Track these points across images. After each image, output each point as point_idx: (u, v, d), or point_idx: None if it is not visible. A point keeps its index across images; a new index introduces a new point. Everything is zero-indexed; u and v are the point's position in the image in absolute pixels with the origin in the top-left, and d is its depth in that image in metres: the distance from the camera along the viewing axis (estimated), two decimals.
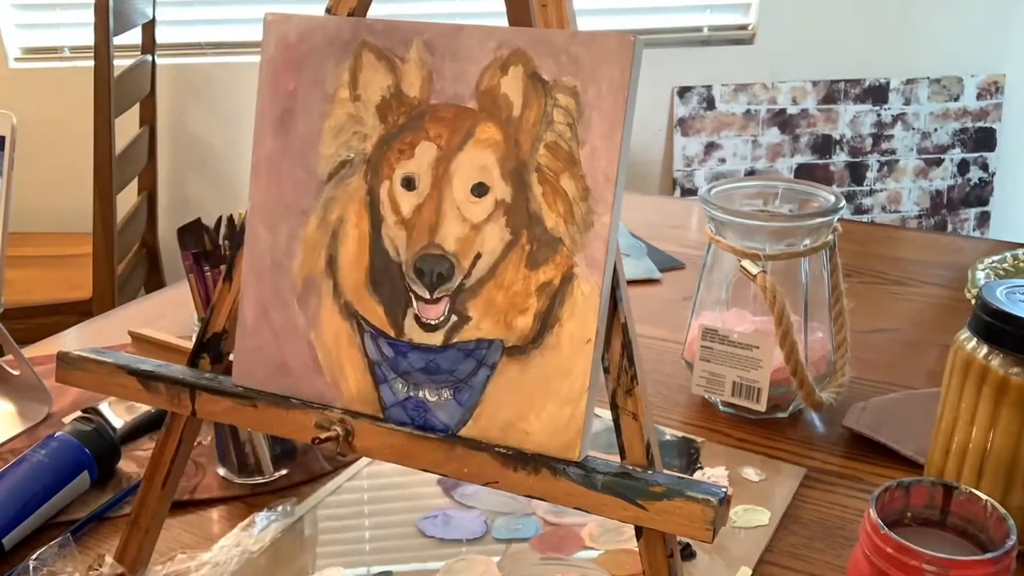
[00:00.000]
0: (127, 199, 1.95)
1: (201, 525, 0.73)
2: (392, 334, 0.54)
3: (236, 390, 0.57)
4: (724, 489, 0.48)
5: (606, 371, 0.51)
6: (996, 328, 0.65)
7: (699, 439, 0.83)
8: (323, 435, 0.54)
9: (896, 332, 1.04)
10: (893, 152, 2.56)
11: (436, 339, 0.53)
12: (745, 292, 0.86)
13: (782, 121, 2.49)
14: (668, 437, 0.84)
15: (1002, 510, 0.57)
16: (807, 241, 0.83)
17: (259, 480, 0.77)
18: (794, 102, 2.48)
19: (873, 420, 0.84)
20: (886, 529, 0.55)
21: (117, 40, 1.76)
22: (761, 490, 0.76)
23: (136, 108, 2.00)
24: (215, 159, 2.39)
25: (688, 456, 0.81)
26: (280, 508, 0.73)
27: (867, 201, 2.57)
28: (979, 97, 2.55)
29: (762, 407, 0.83)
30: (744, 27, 2.49)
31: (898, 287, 1.16)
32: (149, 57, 2.04)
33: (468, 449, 0.52)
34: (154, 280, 2.14)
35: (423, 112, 0.52)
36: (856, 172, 2.55)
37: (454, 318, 0.52)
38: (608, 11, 2.46)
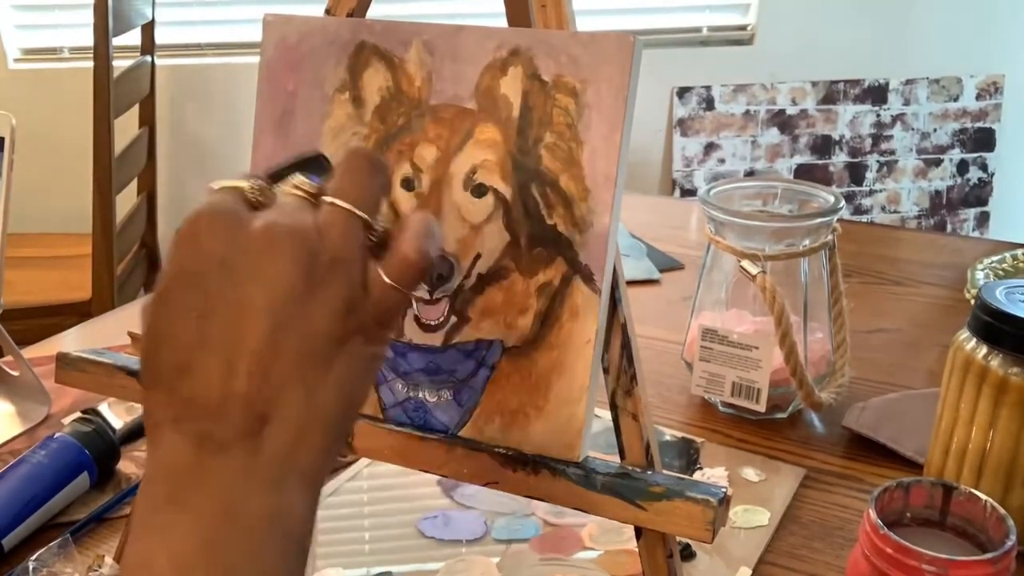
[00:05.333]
0: (127, 200, 1.95)
1: None
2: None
3: None
4: (724, 489, 0.48)
5: (606, 371, 0.51)
6: (996, 328, 0.65)
7: (699, 439, 0.83)
8: None
9: (896, 332, 1.04)
10: (892, 152, 2.56)
11: (436, 340, 0.53)
12: (745, 292, 0.86)
13: (781, 121, 2.49)
14: (668, 437, 0.84)
15: (1002, 510, 0.57)
16: (807, 241, 0.83)
17: None
18: (793, 102, 2.48)
19: (873, 420, 0.84)
20: (886, 529, 0.55)
21: (116, 41, 1.75)
22: (761, 490, 0.76)
23: (136, 109, 2.00)
24: (215, 160, 2.38)
25: (688, 456, 0.81)
26: None
27: (867, 201, 2.57)
28: (978, 97, 2.55)
29: (762, 407, 0.82)
30: (744, 27, 2.49)
31: (898, 287, 1.16)
32: (148, 58, 2.04)
33: (468, 449, 0.52)
34: (154, 281, 2.14)
35: (423, 113, 0.52)
36: (855, 172, 2.55)
37: (454, 319, 0.52)
38: (608, 11, 2.46)
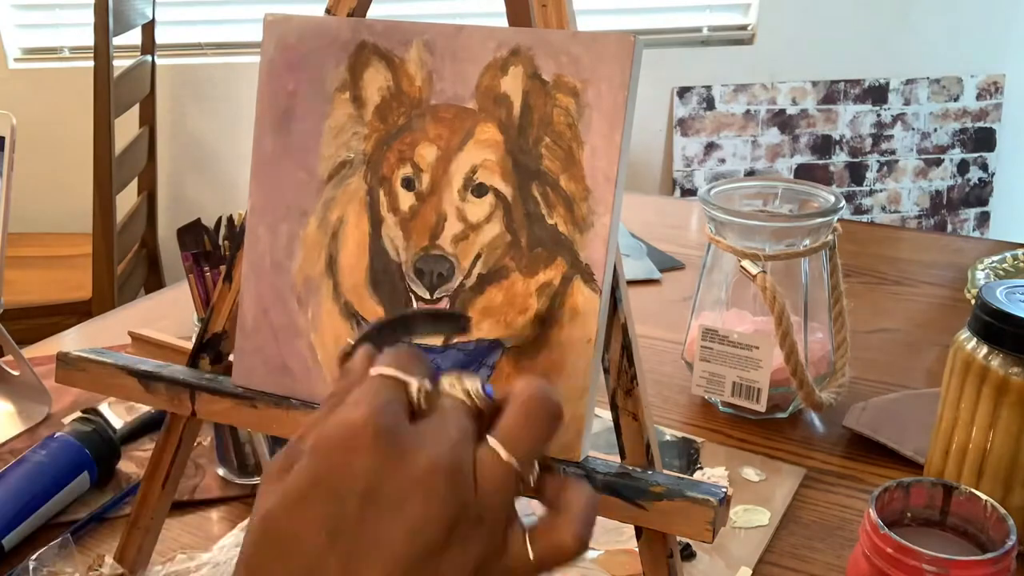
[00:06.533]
0: (127, 199, 1.95)
1: (201, 525, 0.73)
2: None
3: (236, 390, 0.57)
4: (724, 489, 0.48)
5: (606, 371, 0.51)
6: (996, 328, 0.65)
7: (699, 439, 0.83)
8: None
9: (896, 332, 1.04)
10: (893, 152, 2.56)
11: (436, 339, 0.53)
12: (745, 292, 0.86)
13: (782, 121, 2.49)
14: (668, 437, 0.84)
15: (1002, 510, 0.57)
16: (807, 241, 0.83)
17: (259, 480, 0.77)
18: (794, 102, 2.48)
19: (873, 420, 0.84)
20: (886, 529, 0.55)
21: (117, 40, 1.76)
22: (761, 490, 0.76)
23: (136, 108, 2.00)
24: (215, 159, 2.39)
25: (688, 456, 0.81)
26: None
27: (867, 201, 2.57)
28: (979, 97, 2.55)
29: (762, 407, 0.83)
30: (744, 27, 2.49)
31: (898, 287, 1.16)
32: (149, 57, 2.04)
33: None
34: (154, 280, 2.14)
35: (423, 112, 0.52)
36: (856, 172, 2.55)
37: None
38: (608, 11, 2.46)
